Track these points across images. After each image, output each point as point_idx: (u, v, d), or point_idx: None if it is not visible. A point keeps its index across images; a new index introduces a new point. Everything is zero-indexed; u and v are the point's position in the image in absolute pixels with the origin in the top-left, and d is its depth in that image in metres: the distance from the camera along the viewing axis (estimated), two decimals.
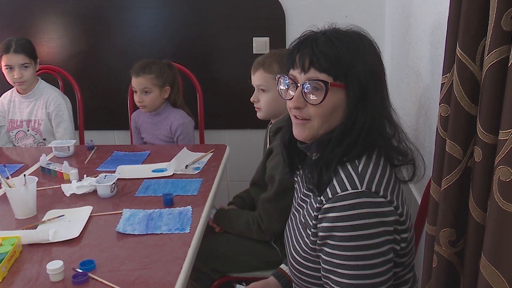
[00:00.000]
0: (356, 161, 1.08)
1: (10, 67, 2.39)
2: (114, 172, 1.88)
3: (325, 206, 1.05)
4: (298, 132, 1.15)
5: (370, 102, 1.08)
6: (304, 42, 1.10)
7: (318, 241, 1.09)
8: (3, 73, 2.44)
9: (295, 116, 1.14)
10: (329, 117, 1.10)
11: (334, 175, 1.08)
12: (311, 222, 1.11)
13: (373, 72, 1.09)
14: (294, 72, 1.11)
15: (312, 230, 1.10)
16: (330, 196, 1.05)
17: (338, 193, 1.04)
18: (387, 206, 1.04)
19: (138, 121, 2.54)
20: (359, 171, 1.06)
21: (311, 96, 1.08)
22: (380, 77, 1.13)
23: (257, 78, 1.79)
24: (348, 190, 1.03)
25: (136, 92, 2.37)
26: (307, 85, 1.08)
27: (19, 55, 2.38)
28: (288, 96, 1.13)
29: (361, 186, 1.03)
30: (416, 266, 1.23)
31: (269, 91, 1.76)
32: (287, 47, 2.53)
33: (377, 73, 1.11)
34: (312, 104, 1.08)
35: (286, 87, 1.14)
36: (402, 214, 1.07)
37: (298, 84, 1.10)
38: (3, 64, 2.40)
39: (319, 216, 1.07)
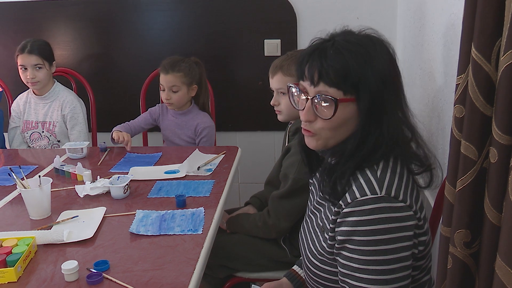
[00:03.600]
0: (375, 166, 1.08)
1: (24, 67, 2.43)
2: (127, 173, 1.89)
3: (345, 210, 1.05)
4: (308, 142, 1.15)
5: (384, 111, 1.07)
6: (313, 54, 1.08)
7: (336, 245, 1.09)
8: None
9: (304, 128, 1.13)
10: (338, 129, 1.09)
11: (353, 180, 1.07)
12: (329, 225, 1.11)
13: (386, 80, 1.06)
14: (304, 84, 1.10)
15: (330, 234, 1.10)
16: (349, 201, 1.05)
17: (357, 198, 1.04)
18: (407, 211, 1.03)
19: (160, 115, 2.48)
20: (378, 176, 1.06)
21: (321, 110, 1.07)
22: (395, 83, 1.10)
23: (276, 81, 1.79)
24: (367, 195, 1.03)
25: (164, 90, 2.34)
26: (317, 99, 1.07)
27: (32, 56, 2.41)
28: (300, 105, 1.12)
29: (381, 191, 1.03)
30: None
31: None
32: (298, 48, 2.55)
33: (391, 80, 1.08)
34: (322, 118, 1.08)
35: (298, 98, 1.13)
36: (420, 218, 1.07)
37: (308, 97, 1.09)
38: (18, 64, 2.44)
39: (338, 220, 1.07)
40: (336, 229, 1.08)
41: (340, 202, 1.07)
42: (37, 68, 2.44)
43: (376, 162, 1.08)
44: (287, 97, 1.76)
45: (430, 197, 1.70)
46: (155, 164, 2.07)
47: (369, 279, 1.02)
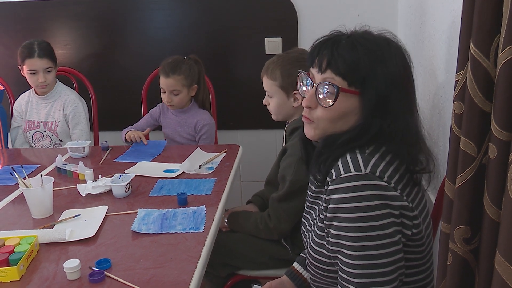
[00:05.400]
0: (366, 147, 1.09)
1: (34, 71, 2.42)
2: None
3: (330, 187, 1.06)
4: (307, 131, 1.16)
5: (390, 112, 1.07)
6: (326, 42, 1.10)
7: (325, 222, 1.09)
8: (22, 75, 2.47)
9: (304, 115, 1.14)
10: (337, 121, 1.10)
11: (340, 158, 1.08)
12: (323, 205, 1.11)
13: (396, 82, 1.07)
14: (313, 70, 1.12)
15: (324, 213, 1.11)
16: (334, 177, 1.06)
17: (341, 175, 1.05)
18: (391, 191, 1.04)
19: (161, 115, 2.50)
20: (366, 155, 1.07)
21: (323, 97, 1.08)
22: (406, 87, 1.11)
23: (264, 83, 1.82)
24: (351, 172, 1.04)
25: (164, 92, 2.35)
26: (321, 86, 1.08)
27: (44, 60, 2.41)
28: (306, 93, 1.14)
29: (365, 169, 1.04)
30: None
31: (274, 96, 1.78)
32: (299, 47, 2.55)
33: (402, 83, 1.09)
34: (322, 106, 1.09)
35: (307, 86, 1.14)
36: (409, 201, 1.06)
37: (314, 84, 1.10)
38: (26, 68, 2.42)
39: (326, 198, 1.08)
40: (328, 207, 1.08)
41: (328, 179, 1.08)
42: (48, 71, 2.43)
43: (368, 145, 1.09)
44: (273, 100, 1.78)
45: (431, 194, 1.70)
46: (158, 156, 2.14)
47: (357, 255, 1.03)
